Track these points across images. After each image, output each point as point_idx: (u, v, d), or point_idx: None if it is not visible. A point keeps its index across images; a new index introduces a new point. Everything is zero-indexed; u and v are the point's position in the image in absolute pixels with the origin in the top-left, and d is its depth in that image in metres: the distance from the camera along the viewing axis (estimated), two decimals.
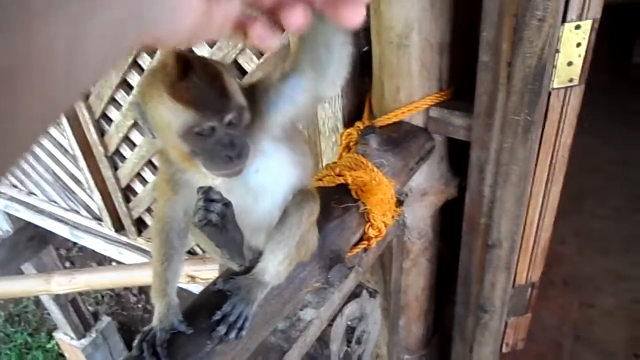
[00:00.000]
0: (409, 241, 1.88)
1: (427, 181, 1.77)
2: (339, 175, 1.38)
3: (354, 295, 1.55)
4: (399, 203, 1.53)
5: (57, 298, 4.55)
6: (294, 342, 1.29)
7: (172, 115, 0.86)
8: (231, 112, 0.87)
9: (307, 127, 1.88)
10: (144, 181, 2.79)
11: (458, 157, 1.75)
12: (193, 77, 0.84)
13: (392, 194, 1.39)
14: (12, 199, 3.95)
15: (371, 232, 1.39)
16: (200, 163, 0.91)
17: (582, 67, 1.53)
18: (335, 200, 1.34)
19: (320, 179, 1.42)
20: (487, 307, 1.89)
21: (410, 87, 1.58)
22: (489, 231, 1.70)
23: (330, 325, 1.46)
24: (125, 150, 2.72)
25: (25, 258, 4.58)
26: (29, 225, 4.22)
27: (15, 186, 3.89)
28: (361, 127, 1.64)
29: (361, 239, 1.40)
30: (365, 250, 1.43)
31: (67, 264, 6.18)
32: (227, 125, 0.88)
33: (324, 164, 1.95)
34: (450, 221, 1.94)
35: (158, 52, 2.07)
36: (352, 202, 1.35)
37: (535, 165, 1.71)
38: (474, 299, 1.91)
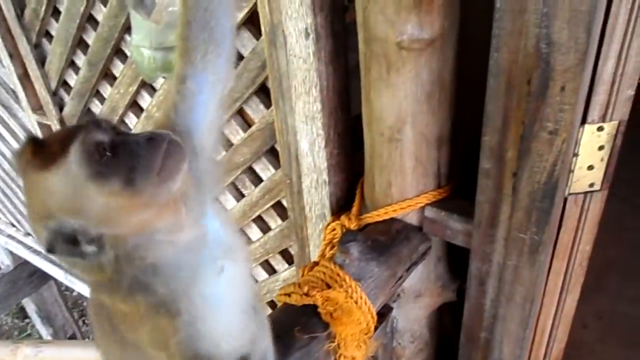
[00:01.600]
0: (399, 346, 1.66)
1: (422, 283, 1.56)
2: (306, 295, 1.18)
3: None
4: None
5: None
6: None
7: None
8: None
9: (293, 209, 1.70)
10: None
11: (458, 258, 1.53)
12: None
13: (369, 322, 1.18)
14: (11, 237, 3.87)
15: None
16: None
17: (605, 171, 1.31)
18: (300, 326, 1.14)
19: (288, 294, 1.22)
20: None
21: (403, 184, 1.38)
22: (489, 347, 1.47)
23: None
24: None
25: (25, 293, 4.49)
26: (29, 261, 4.13)
27: (13, 225, 3.81)
28: (346, 225, 1.45)
29: None
30: None
31: (70, 303, 6.06)
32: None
33: (310, 252, 1.76)
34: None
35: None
36: (320, 329, 1.15)
37: (548, 274, 1.49)
38: None
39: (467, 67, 1.29)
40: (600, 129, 1.24)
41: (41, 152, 0.70)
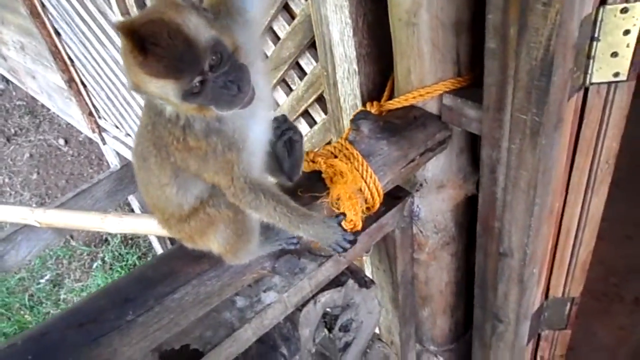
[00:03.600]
0: (420, 234, 1.75)
1: (444, 173, 1.62)
2: (313, 161, 1.30)
3: (336, 283, 1.50)
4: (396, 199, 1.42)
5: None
6: (246, 322, 1.29)
7: (161, 89, 0.88)
8: (205, 58, 0.86)
9: (331, 101, 1.80)
10: None
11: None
12: (153, 49, 0.83)
13: (374, 195, 1.29)
14: (117, 138, 4.35)
15: (346, 225, 1.31)
16: (214, 108, 0.94)
17: (632, 59, 1.27)
18: (303, 188, 1.28)
19: None
20: (501, 317, 1.72)
21: (422, 70, 1.43)
22: (501, 236, 1.52)
23: (299, 310, 1.43)
24: None
25: (130, 190, 5.08)
26: None
27: (117, 127, 4.27)
28: (369, 111, 1.53)
29: None
30: None
31: None
32: (213, 69, 0.88)
33: None
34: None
35: None
36: (321, 189, 1.28)
37: (570, 170, 1.49)
38: (489, 305, 1.74)
39: None
40: (624, 10, 1.20)
41: (147, 60, 0.83)
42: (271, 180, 1.26)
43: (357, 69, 1.60)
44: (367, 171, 1.33)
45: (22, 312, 6.07)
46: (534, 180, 1.31)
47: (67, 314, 1.08)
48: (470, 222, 1.81)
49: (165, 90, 0.87)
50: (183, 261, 1.17)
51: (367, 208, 1.39)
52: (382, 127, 1.41)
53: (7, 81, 7.58)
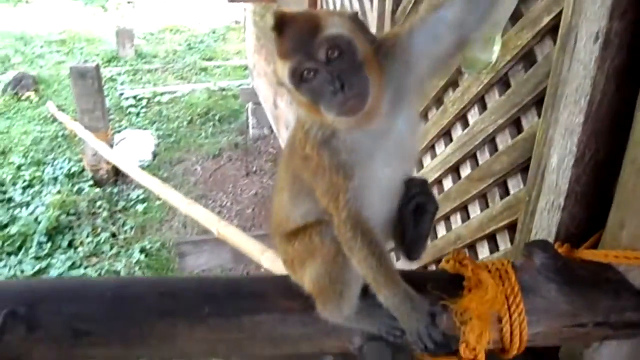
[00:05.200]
0: None
1: None
2: (461, 263, 1.13)
3: None
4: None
5: None
6: None
7: (281, 70, 0.95)
8: (322, 46, 0.89)
9: (522, 231, 1.59)
10: None
11: None
12: (287, 32, 0.91)
13: (507, 323, 1.06)
14: None
15: (464, 351, 1.08)
16: (322, 109, 0.94)
17: None
18: (436, 284, 1.11)
19: (448, 260, 1.20)
20: None
21: (639, 230, 1.16)
22: None
23: None
24: None
25: None
26: None
27: None
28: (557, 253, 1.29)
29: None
30: None
31: None
32: (329, 62, 0.90)
33: None
34: None
35: None
36: (450, 295, 1.09)
37: None
38: None
39: None
40: None
41: (279, 39, 0.93)
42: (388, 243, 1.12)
43: (562, 204, 1.38)
44: (517, 305, 1.10)
45: None
46: None
47: (157, 280, 1.10)
48: None
49: (284, 73, 0.92)
50: (280, 290, 1.11)
51: (502, 350, 1.14)
52: (559, 269, 1.16)
53: (272, 130, 8.78)
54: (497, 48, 1.29)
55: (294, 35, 0.90)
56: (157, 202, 7.01)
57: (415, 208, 1.06)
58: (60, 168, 7.62)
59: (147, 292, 1.05)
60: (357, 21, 0.96)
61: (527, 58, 1.66)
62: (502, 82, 1.78)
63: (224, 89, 10.00)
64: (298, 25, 0.91)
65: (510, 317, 1.09)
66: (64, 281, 1.24)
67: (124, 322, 1.02)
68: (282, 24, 0.91)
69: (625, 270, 1.21)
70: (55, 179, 7.40)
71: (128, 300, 1.03)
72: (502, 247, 1.83)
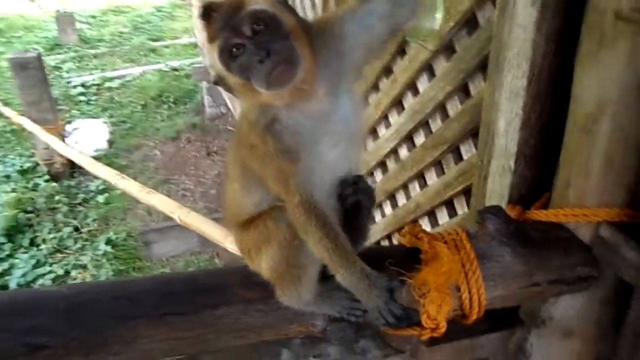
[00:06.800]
0: None
1: (577, 319, 1.30)
2: (416, 237, 1.15)
3: None
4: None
5: None
6: None
7: (212, 56, 0.96)
8: (246, 21, 0.90)
9: (477, 195, 1.62)
10: None
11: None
12: (214, 16, 0.93)
13: (465, 290, 1.08)
14: None
15: (426, 321, 1.11)
16: (254, 85, 0.93)
17: None
18: (394, 260, 1.12)
19: (404, 235, 1.21)
20: None
21: (585, 187, 1.19)
22: None
23: None
24: None
25: None
26: None
27: None
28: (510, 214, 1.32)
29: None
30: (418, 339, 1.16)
31: None
32: (255, 35, 0.90)
33: None
34: None
35: None
36: (408, 270, 1.10)
37: None
38: None
39: None
40: None
41: (209, 25, 0.94)
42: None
43: (512, 167, 1.41)
44: (474, 272, 1.12)
45: None
46: None
47: (111, 284, 1.08)
48: None
49: (214, 57, 0.93)
50: (239, 281, 1.10)
51: (463, 316, 1.17)
52: (512, 232, 1.19)
53: (228, 107, 8.63)
54: (439, 16, 1.28)
55: (219, 17, 0.92)
56: (118, 191, 6.85)
57: (352, 205, 1.06)
58: (12, 165, 7.32)
59: (102, 298, 1.03)
60: (283, 2, 0.97)
61: (470, 23, 1.66)
62: (448, 49, 1.79)
63: (175, 69, 9.72)
64: (223, 8, 0.92)
65: (468, 284, 1.12)
66: (14, 294, 1.20)
67: (82, 330, 1.00)
68: (209, 11, 0.92)
69: (575, 228, 1.25)
70: (8, 176, 7.12)
71: (83, 308, 1.01)
72: (460, 211, 1.87)
